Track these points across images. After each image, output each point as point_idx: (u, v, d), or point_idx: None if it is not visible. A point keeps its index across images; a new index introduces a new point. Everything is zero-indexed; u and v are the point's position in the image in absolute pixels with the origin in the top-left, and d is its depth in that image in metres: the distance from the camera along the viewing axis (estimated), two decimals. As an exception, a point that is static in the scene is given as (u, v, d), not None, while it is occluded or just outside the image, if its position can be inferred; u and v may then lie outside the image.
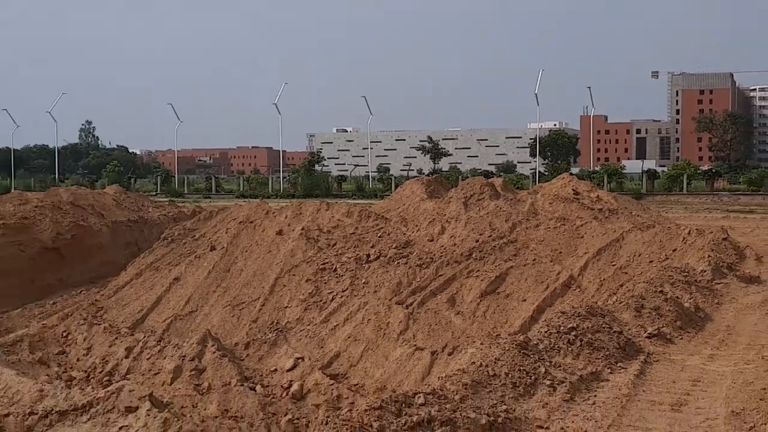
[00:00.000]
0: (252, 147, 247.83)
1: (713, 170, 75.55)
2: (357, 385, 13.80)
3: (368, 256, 17.66)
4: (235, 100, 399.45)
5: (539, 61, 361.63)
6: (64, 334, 17.37)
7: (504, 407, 7.53)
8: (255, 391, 13.51)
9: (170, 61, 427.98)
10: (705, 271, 15.18)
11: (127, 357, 15.49)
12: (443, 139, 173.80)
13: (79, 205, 23.83)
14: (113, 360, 15.58)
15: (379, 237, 18.63)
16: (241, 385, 13.53)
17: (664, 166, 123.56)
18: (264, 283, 17.46)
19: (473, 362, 8.61)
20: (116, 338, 16.28)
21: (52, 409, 10.78)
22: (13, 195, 27.32)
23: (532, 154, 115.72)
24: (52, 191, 26.20)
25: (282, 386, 13.95)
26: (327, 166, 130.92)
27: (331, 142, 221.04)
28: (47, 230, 21.77)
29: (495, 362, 8.47)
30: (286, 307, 16.63)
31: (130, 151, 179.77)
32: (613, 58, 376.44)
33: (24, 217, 21.88)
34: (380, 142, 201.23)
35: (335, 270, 17.34)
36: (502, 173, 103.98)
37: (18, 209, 22.55)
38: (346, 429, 6.41)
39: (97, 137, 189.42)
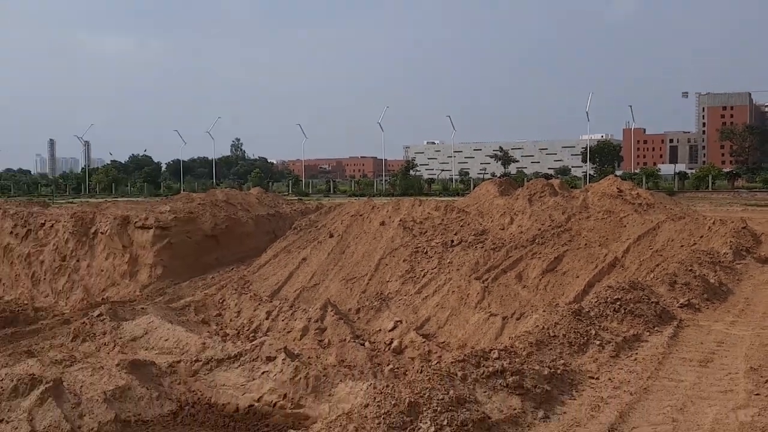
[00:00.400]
0: (361, 156, 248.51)
1: (734, 172, 73.01)
2: (443, 342, 13.79)
3: (452, 241, 17.60)
4: (349, 119, 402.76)
5: (590, 83, 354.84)
6: (220, 301, 17.87)
7: (562, 361, 7.42)
8: (364, 346, 13.68)
9: (298, 90, 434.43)
10: (727, 254, 14.61)
11: (267, 319, 15.82)
12: (512, 148, 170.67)
13: (231, 202, 24.39)
14: (257, 321, 15.94)
15: (461, 226, 18.53)
16: (354, 341, 13.72)
17: (692, 168, 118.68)
18: (370, 263, 17.59)
19: (537, 325, 8.52)
20: (259, 304, 16.66)
21: (212, 358, 11.12)
22: (181, 195, 28.24)
23: (584, 160, 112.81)
24: (210, 192, 26.88)
25: (385, 343, 14.07)
26: (419, 171, 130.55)
27: (423, 152, 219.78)
28: (207, 222, 22.35)
29: (554, 326, 8.36)
30: (387, 282, 16.72)
31: (269, 161, 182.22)
32: (650, 81, 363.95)
33: (190, 212, 22.53)
34: (461, 151, 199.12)
35: (426, 252, 17.34)
36: (559, 176, 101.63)
37: (186, 206, 23.25)
38: (437, 376, 6.40)
39: (244, 151, 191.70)
